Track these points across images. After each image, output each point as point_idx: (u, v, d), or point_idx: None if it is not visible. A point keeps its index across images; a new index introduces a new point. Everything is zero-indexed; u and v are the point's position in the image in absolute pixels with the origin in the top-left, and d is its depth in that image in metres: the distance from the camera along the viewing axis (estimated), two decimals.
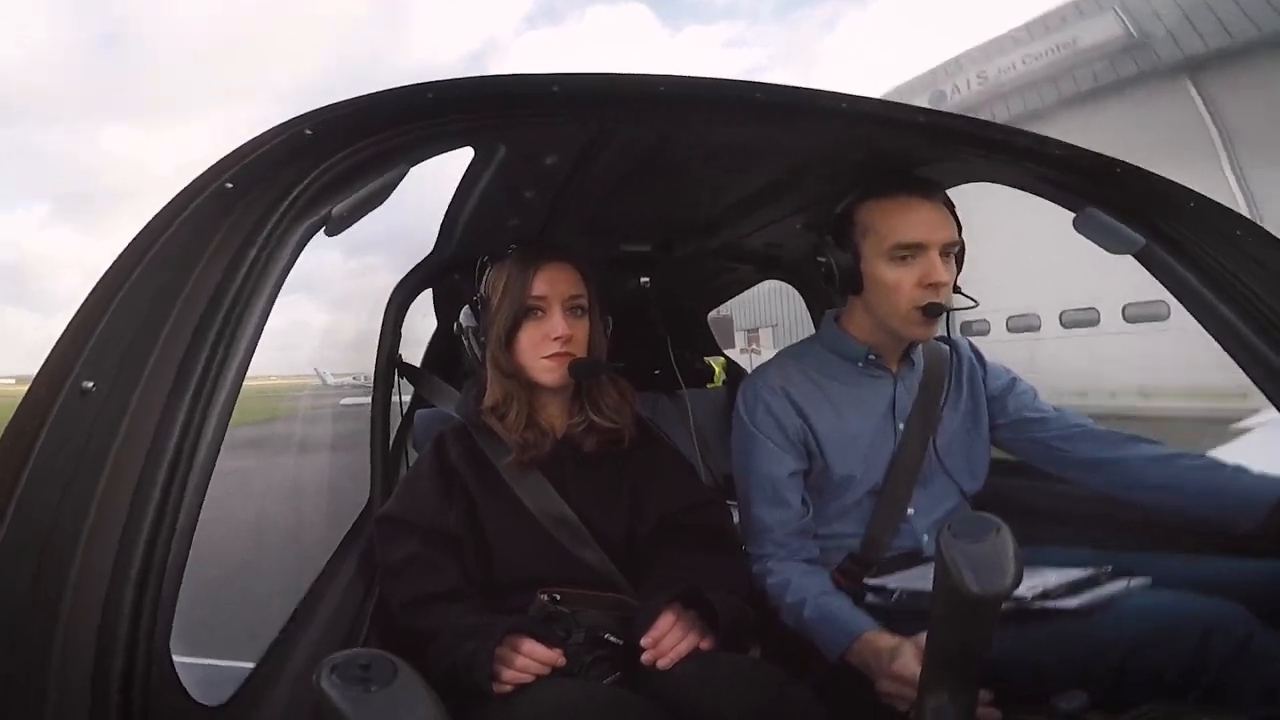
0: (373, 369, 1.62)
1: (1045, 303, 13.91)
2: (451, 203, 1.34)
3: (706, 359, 2.28)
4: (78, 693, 0.60)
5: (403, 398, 1.69)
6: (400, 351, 1.65)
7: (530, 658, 0.98)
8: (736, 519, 1.36)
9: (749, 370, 1.64)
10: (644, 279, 1.87)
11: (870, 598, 1.20)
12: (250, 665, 0.95)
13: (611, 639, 1.08)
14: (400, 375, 1.65)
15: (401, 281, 1.65)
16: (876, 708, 1.03)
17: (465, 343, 1.28)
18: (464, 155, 1.09)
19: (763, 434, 1.31)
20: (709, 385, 2.18)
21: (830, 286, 1.30)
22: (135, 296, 0.67)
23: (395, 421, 1.67)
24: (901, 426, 1.32)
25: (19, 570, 0.59)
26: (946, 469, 1.32)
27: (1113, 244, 1.13)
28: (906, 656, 1.00)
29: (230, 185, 0.71)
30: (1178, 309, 1.15)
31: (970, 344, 1.44)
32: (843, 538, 1.30)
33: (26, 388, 0.63)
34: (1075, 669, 0.99)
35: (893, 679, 1.00)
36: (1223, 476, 1.19)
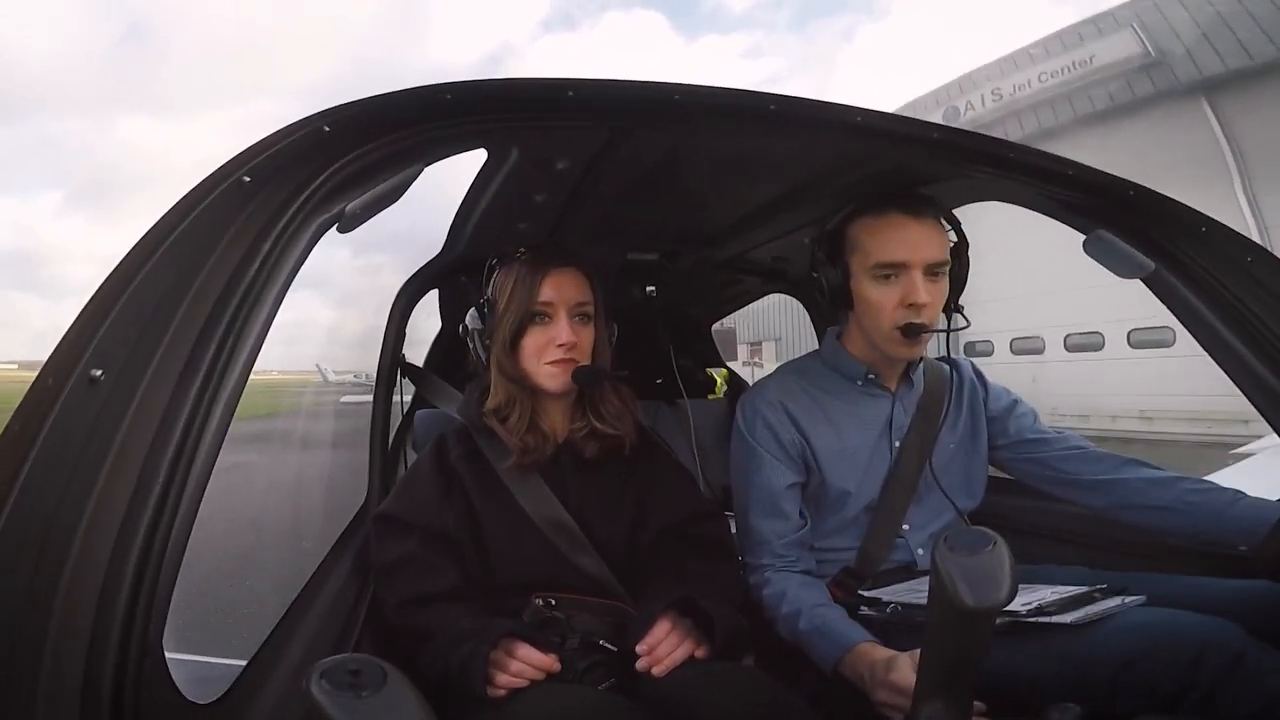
0: (374, 367, 1.62)
1: (1050, 325, 13.87)
2: (462, 204, 1.35)
3: (709, 370, 2.28)
4: (69, 687, 0.60)
5: (404, 397, 1.69)
6: (403, 351, 1.65)
7: (525, 662, 0.98)
8: (734, 530, 1.35)
9: (751, 383, 1.64)
10: (650, 288, 1.87)
11: (864, 610, 1.20)
12: (242, 663, 0.94)
13: (606, 645, 1.08)
14: (402, 375, 1.65)
15: (408, 281, 1.65)
16: (870, 718, 1.03)
17: (470, 344, 1.28)
18: (475, 157, 1.10)
19: (761, 447, 1.31)
20: (710, 396, 2.18)
21: (825, 303, 1.31)
22: (148, 287, 0.67)
23: (395, 421, 1.67)
24: (898, 445, 1.33)
25: (19, 559, 0.59)
26: (942, 487, 1.32)
27: (1123, 268, 1.13)
28: (903, 667, 1.00)
29: (247, 179, 0.71)
30: (1183, 335, 1.15)
31: (972, 365, 1.45)
32: (839, 551, 1.31)
33: (30, 373, 0.63)
34: (1069, 682, 0.99)
35: (889, 689, 1.00)
36: (1221, 500, 1.19)
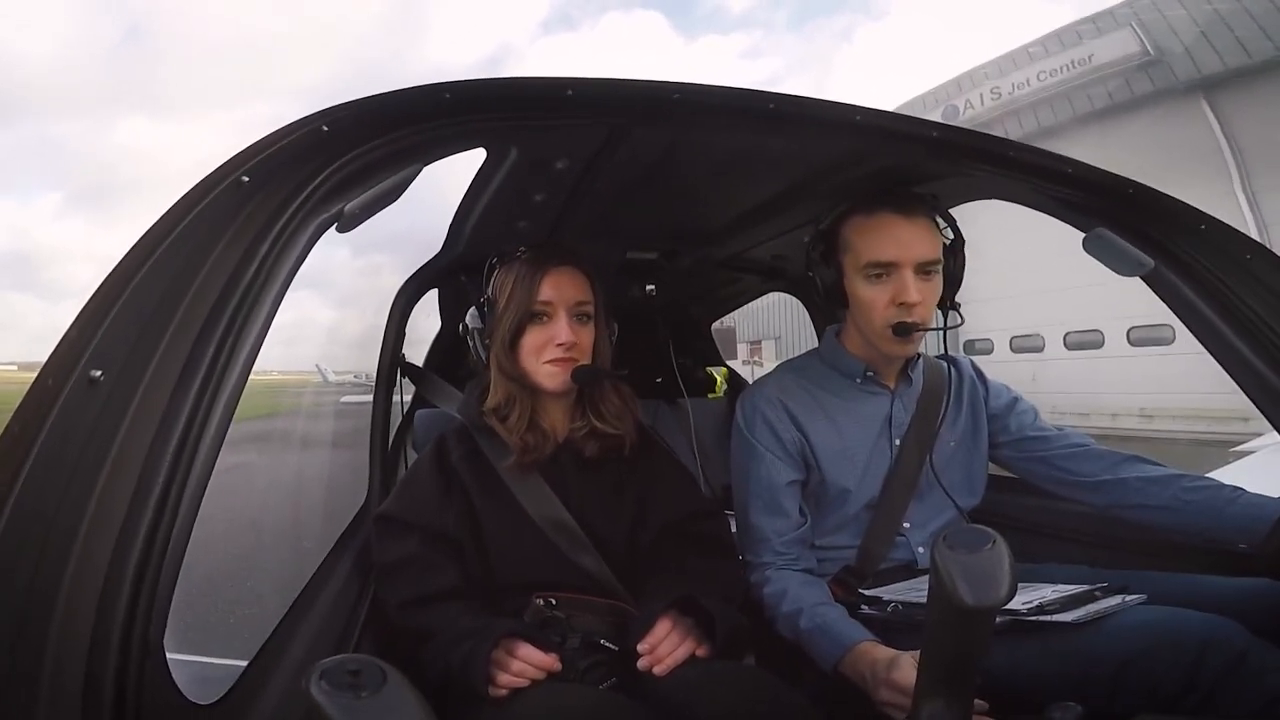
0: (374, 367, 1.62)
1: (1050, 323, 13.85)
2: (461, 203, 1.34)
3: (708, 369, 2.28)
4: (71, 688, 0.60)
5: (404, 397, 1.69)
6: (403, 351, 1.65)
7: (526, 662, 0.98)
8: (734, 529, 1.36)
9: (750, 381, 1.64)
10: (649, 287, 1.87)
11: (865, 609, 1.20)
12: (243, 664, 0.94)
13: (607, 644, 1.08)
14: (402, 375, 1.65)
15: (408, 281, 1.65)
16: (871, 716, 1.03)
17: (470, 344, 1.28)
18: (474, 157, 1.10)
19: (761, 444, 1.31)
20: (710, 395, 2.18)
21: (821, 301, 1.31)
22: (147, 287, 0.67)
23: (395, 421, 1.67)
24: (898, 442, 1.33)
25: (19, 560, 0.59)
26: (943, 485, 1.32)
27: (1122, 266, 1.13)
28: (904, 666, 1.00)
29: (246, 179, 0.71)
30: (1183, 333, 1.15)
31: (972, 363, 1.45)
32: (839, 550, 1.31)
33: (29, 374, 0.63)
34: (1070, 680, 0.99)
35: (890, 688, 1.00)
36: (1221, 498, 1.19)
